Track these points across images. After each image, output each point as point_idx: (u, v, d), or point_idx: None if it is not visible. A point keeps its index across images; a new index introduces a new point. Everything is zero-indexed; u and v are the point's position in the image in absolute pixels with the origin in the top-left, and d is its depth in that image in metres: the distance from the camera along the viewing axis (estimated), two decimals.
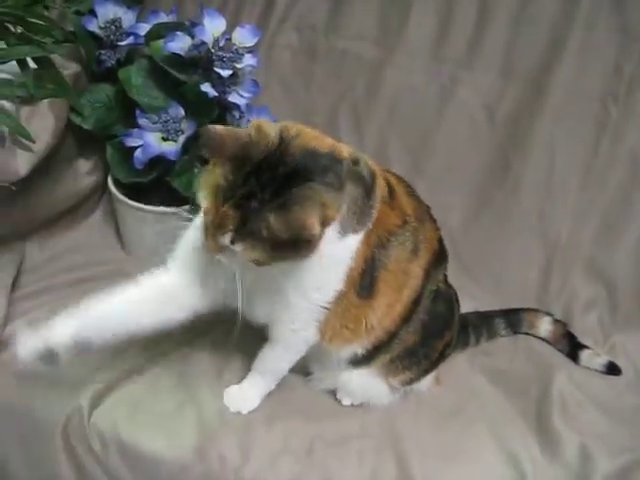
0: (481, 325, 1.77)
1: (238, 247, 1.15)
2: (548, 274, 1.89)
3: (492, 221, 1.92)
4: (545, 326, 1.81)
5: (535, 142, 1.87)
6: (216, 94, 1.57)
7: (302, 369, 1.52)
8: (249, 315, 1.36)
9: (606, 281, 1.87)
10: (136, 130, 1.61)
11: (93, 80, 1.74)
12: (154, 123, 1.60)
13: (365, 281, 1.31)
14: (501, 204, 1.92)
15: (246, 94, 1.64)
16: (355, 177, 1.25)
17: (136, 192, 1.74)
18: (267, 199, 1.12)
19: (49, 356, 1.29)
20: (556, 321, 1.82)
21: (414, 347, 1.46)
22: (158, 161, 1.64)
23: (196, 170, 1.65)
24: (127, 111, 1.69)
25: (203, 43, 1.55)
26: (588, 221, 1.87)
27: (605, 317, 1.86)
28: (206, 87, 1.56)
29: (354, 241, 1.27)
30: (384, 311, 1.36)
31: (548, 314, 1.83)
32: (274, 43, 1.95)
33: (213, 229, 1.17)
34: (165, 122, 1.60)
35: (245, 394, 1.48)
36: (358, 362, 1.44)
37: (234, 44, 1.57)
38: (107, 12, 1.71)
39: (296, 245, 1.14)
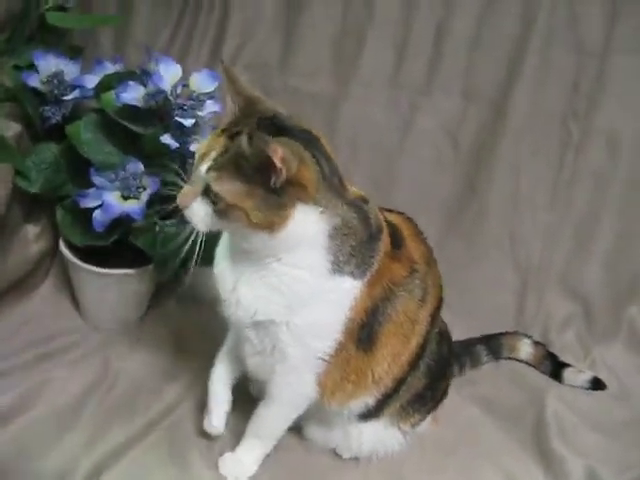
0: (463, 354, 1.74)
1: (211, 176, 1.11)
2: (523, 296, 1.89)
3: (462, 247, 1.91)
4: (526, 349, 1.80)
5: (499, 164, 1.87)
6: (178, 145, 1.48)
7: (295, 427, 1.44)
8: (245, 368, 1.33)
9: (580, 297, 1.89)
10: (92, 190, 1.48)
11: (36, 139, 1.61)
12: (112, 181, 1.48)
13: (364, 333, 1.25)
14: (470, 229, 1.91)
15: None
16: (360, 212, 1.21)
17: (91, 255, 1.61)
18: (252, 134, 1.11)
19: None
20: (536, 343, 1.82)
21: (423, 391, 1.41)
22: (117, 221, 1.52)
23: (157, 227, 1.57)
24: (77, 170, 1.56)
25: (160, 92, 1.45)
26: (558, 239, 1.88)
27: (583, 333, 1.87)
28: (166, 139, 1.46)
29: (352, 287, 1.21)
30: (391, 361, 1.31)
31: (527, 336, 1.82)
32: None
33: (197, 162, 1.15)
34: (124, 179, 1.48)
35: (242, 461, 1.39)
36: (369, 414, 1.38)
37: (193, 91, 1.49)
38: (48, 65, 1.57)
39: (263, 184, 1.09)
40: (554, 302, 1.89)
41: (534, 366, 1.80)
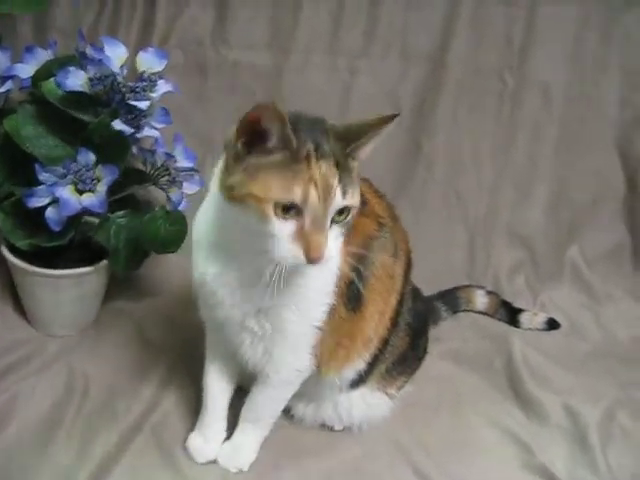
0: None
1: (349, 196, 1.04)
2: (473, 249, 1.95)
3: (411, 206, 1.91)
4: (481, 299, 1.86)
5: (441, 120, 1.90)
6: (132, 130, 1.39)
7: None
8: (238, 361, 1.28)
9: (526, 243, 1.97)
10: (41, 188, 1.37)
11: None
12: (62, 176, 1.37)
13: (352, 292, 1.24)
14: (418, 188, 1.94)
15: (158, 125, 1.46)
16: None
17: (31, 258, 1.51)
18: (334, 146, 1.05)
19: None
20: (489, 292, 1.87)
21: (406, 351, 1.42)
22: (71, 218, 1.41)
23: (109, 220, 1.48)
24: (16, 167, 1.46)
25: (108, 75, 1.36)
26: (501, 189, 1.94)
27: (531, 277, 1.96)
28: (119, 124, 1.38)
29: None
30: (377, 319, 1.31)
31: (480, 287, 1.88)
32: None
33: (320, 204, 1.01)
34: (76, 172, 1.37)
35: (241, 449, 1.35)
36: (359, 380, 1.37)
37: (143, 71, 1.40)
38: None
39: None
40: (502, 251, 1.96)
41: (491, 315, 1.86)
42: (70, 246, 1.50)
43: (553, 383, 1.62)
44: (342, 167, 1.04)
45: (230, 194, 1.05)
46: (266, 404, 1.34)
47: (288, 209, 1.02)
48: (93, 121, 1.41)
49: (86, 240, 1.55)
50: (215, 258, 1.17)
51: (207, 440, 1.35)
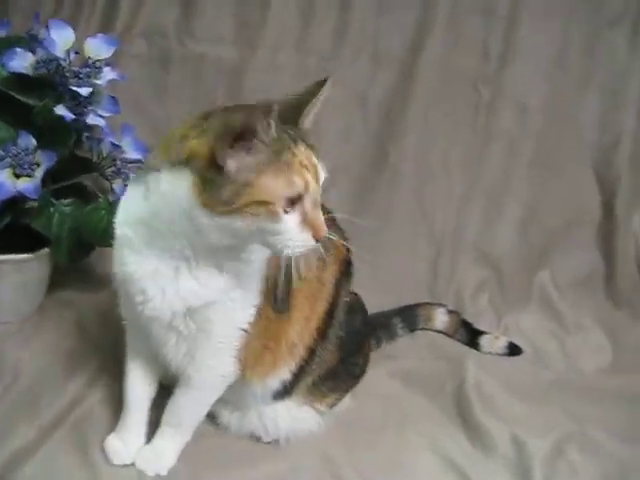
0: (379, 328, 1.71)
1: (325, 167, 1.06)
2: (437, 264, 1.89)
3: (376, 217, 1.85)
4: (441, 318, 1.80)
5: (411, 128, 1.84)
6: (73, 116, 1.36)
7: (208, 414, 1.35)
8: (161, 361, 1.24)
9: (492, 262, 1.90)
10: None
11: None
12: (1, 159, 1.34)
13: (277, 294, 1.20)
14: (382, 196, 1.88)
15: (105, 113, 1.43)
16: None
17: None
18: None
19: None
20: (450, 311, 1.81)
21: (335, 367, 1.37)
22: (7, 203, 1.39)
23: (52, 208, 1.44)
24: None
25: (52, 58, 1.33)
26: (471, 204, 1.88)
27: (496, 298, 1.89)
28: (61, 109, 1.34)
29: None
30: (302, 325, 1.27)
31: (442, 305, 1.81)
32: (120, 53, 1.67)
33: (316, 184, 1.04)
34: (15, 156, 1.35)
35: (160, 453, 1.30)
36: (284, 392, 1.33)
37: (89, 57, 1.36)
38: None
39: None
40: (467, 269, 1.90)
41: (450, 335, 1.80)
42: (9, 231, 1.46)
43: (504, 412, 1.54)
44: (307, 143, 1.04)
45: (225, 209, 1.00)
46: (188, 407, 1.29)
47: (293, 201, 1.02)
48: (37, 105, 1.38)
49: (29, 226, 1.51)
50: (149, 255, 1.12)
51: (126, 443, 1.30)
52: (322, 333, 1.31)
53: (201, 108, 1.70)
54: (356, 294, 1.45)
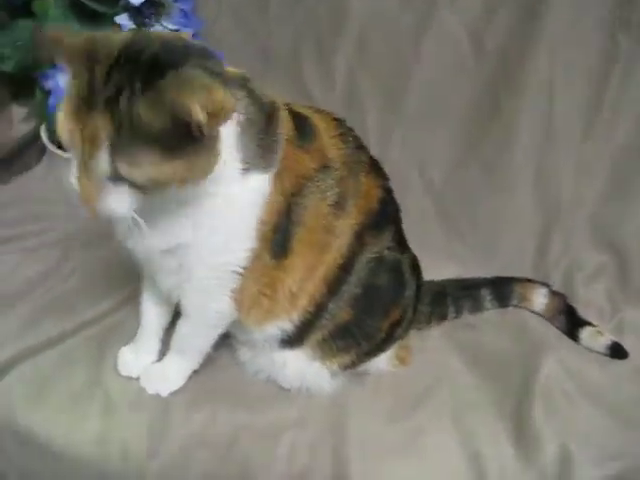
0: (463, 296, 1.54)
1: (122, 165, 0.92)
2: (547, 237, 1.63)
3: (481, 174, 1.65)
4: (540, 299, 1.56)
5: (530, 78, 1.58)
6: (133, 26, 1.35)
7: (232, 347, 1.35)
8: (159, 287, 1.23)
9: (616, 247, 1.60)
10: (51, 70, 1.39)
11: (11, 16, 1.52)
12: None
13: (278, 238, 1.14)
14: (491, 153, 1.65)
15: (172, 27, 1.40)
16: (250, 93, 1.07)
17: None
18: (137, 93, 0.90)
19: None
20: (554, 294, 1.56)
21: (348, 325, 1.26)
22: None
23: None
24: None
25: None
26: (594, 175, 1.59)
27: (614, 289, 1.59)
28: (122, 19, 1.34)
29: (261, 183, 1.08)
30: (304, 275, 1.18)
31: (544, 285, 1.57)
32: None
33: (84, 157, 0.93)
34: None
35: (166, 374, 1.30)
36: (290, 342, 1.26)
37: None
38: None
39: (187, 144, 0.92)
40: (583, 249, 1.61)
41: (548, 319, 1.55)
42: None
43: (566, 422, 1.30)
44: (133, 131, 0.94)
45: None
46: (188, 337, 1.28)
47: None
48: (107, 12, 1.39)
49: None
50: None
51: (137, 357, 1.32)
52: (332, 287, 1.21)
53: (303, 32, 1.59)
54: (405, 252, 1.30)
